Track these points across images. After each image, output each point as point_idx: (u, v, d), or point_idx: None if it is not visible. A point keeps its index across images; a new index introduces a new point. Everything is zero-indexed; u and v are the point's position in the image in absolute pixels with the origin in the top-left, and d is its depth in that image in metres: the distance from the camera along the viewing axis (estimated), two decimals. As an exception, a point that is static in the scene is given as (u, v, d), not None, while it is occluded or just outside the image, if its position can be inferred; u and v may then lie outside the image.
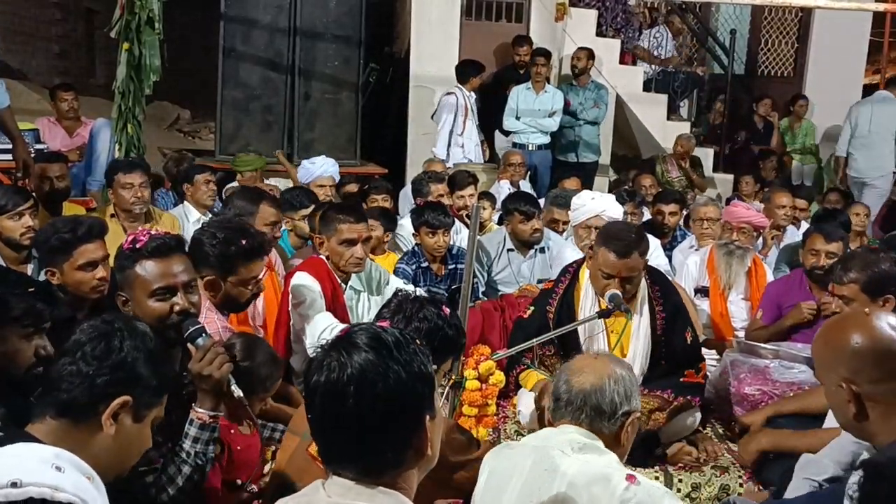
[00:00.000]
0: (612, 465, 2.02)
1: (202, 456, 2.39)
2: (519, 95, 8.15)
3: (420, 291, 4.25)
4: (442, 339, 2.37)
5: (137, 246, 2.47)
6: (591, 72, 8.59)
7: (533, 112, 8.11)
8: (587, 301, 3.63)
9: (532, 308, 3.80)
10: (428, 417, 1.49)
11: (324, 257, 3.92)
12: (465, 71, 8.25)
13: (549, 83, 8.31)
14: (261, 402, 2.79)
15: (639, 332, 3.56)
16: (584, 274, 3.68)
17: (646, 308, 3.60)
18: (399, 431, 1.46)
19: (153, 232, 2.55)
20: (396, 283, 4.25)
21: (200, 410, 2.41)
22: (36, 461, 1.53)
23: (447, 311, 2.43)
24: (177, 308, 2.47)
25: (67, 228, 3.25)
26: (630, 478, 1.98)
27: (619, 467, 2.02)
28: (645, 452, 3.43)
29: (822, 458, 2.74)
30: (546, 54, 8.26)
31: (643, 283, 3.60)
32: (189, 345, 2.49)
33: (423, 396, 1.49)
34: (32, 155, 5.43)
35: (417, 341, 1.53)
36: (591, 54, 8.54)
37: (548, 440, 2.10)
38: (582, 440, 2.06)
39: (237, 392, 2.46)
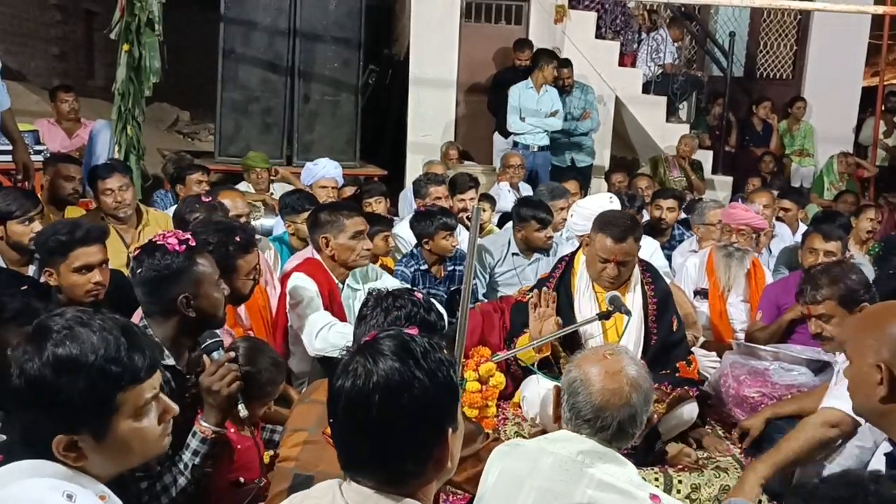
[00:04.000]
0: (634, 481, 1.98)
1: (200, 469, 2.39)
2: (521, 94, 8.13)
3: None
4: (421, 322, 2.35)
5: (192, 244, 2.55)
6: (574, 76, 8.60)
7: (536, 112, 8.10)
8: (582, 283, 3.74)
9: (531, 294, 3.84)
10: (451, 430, 1.48)
11: (320, 258, 3.93)
12: None
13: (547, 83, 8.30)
14: (262, 406, 2.79)
15: (633, 309, 3.62)
16: (579, 259, 3.80)
17: (639, 288, 3.72)
18: (421, 442, 1.45)
19: (178, 233, 2.63)
20: (389, 279, 4.26)
21: (205, 425, 2.41)
22: (45, 489, 1.46)
23: (419, 295, 2.44)
24: (225, 294, 2.64)
25: (66, 230, 3.26)
26: (654, 498, 1.95)
27: (640, 483, 1.99)
28: (646, 447, 3.44)
29: (828, 464, 2.75)
30: (551, 54, 8.27)
31: (636, 269, 3.73)
32: (204, 356, 2.51)
33: (447, 407, 1.48)
34: (32, 157, 5.44)
35: (444, 351, 1.52)
36: (572, 69, 8.57)
37: (566, 447, 2.02)
38: (602, 449, 2.00)
39: (243, 412, 2.47)
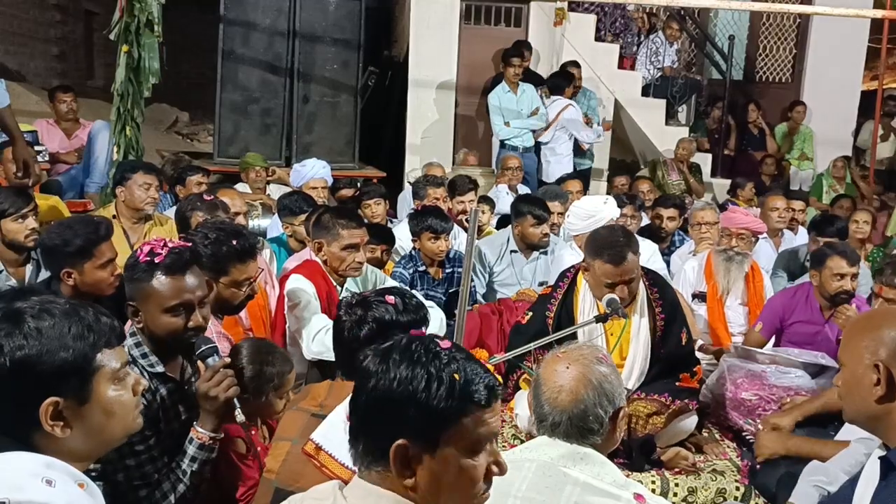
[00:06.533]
0: (617, 480, 1.98)
1: (198, 476, 2.37)
2: (500, 98, 8.15)
3: (418, 295, 4.27)
4: (398, 328, 2.30)
5: (156, 260, 2.43)
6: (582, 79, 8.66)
7: (518, 114, 8.12)
8: (586, 305, 3.64)
9: (530, 313, 3.81)
10: (406, 441, 1.47)
11: (319, 260, 3.92)
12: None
13: (521, 82, 8.31)
14: (280, 399, 2.77)
15: (639, 335, 3.57)
16: (581, 281, 3.69)
17: (645, 309, 3.61)
18: (378, 436, 1.50)
19: (171, 244, 2.52)
20: (389, 284, 4.25)
21: (201, 431, 2.38)
22: (25, 475, 1.48)
23: (391, 299, 2.38)
24: (191, 324, 2.46)
25: (91, 229, 3.29)
26: (638, 497, 1.95)
27: (624, 483, 1.99)
28: (642, 457, 3.44)
29: (831, 466, 2.74)
30: (520, 54, 8.29)
31: (641, 285, 3.61)
32: (199, 363, 2.48)
33: (405, 420, 1.48)
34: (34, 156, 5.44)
35: (455, 373, 1.49)
36: (580, 69, 8.63)
37: (546, 452, 2.03)
38: (580, 451, 2.01)
39: (240, 417, 2.46)
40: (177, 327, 2.43)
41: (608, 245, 3.44)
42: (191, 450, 2.37)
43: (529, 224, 5.03)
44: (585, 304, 3.64)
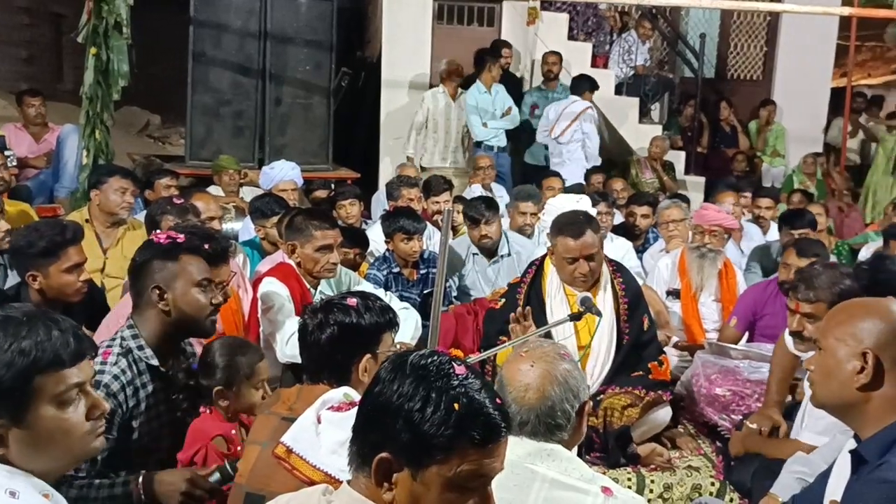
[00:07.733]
0: (584, 475, 1.99)
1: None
2: (477, 98, 8.13)
3: (392, 296, 4.26)
4: (360, 330, 2.29)
5: (178, 241, 2.59)
6: (560, 75, 8.65)
7: (493, 115, 8.11)
8: (552, 286, 3.76)
9: (503, 300, 3.90)
10: (392, 458, 1.47)
11: (293, 262, 3.90)
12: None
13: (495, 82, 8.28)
14: (255, 389, 2.74)
15: (604, 310, 3.59)
16: (548, 264, 3.83)
17: (609, 287, 3.74)
18: (368, 443, 1.50)
19: (172, 233, 2.68)
20: (364, 286, 4.24)
21: (140, 489, 2.30)
22: None
23: (352, 301, 2.35)
24: (214, 301, 2.63)
25: (57, 231, 3.25)
26: (606, 490, 1.95)
27: (591, 477, 1.99)
28: (619, 451, 3.46)
29: (815, 458, 2.76)
30: (494, 53, 8.28)
31: (605, 269, 3.74)
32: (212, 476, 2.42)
33: (394, 434, 1.46)
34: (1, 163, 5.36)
35: (455, 402, 1.46)
36: (561, 58, 8.61)
37: (512, 451, 1.96)
38: (546, 448, 2.02)
39: None
40: (204, 304, 2.58)
41: (569, 222, 3.67)
42: (118, 488, 2.30)
43: (468, 226, 5.15)
44: (553, 285, 3.76)
